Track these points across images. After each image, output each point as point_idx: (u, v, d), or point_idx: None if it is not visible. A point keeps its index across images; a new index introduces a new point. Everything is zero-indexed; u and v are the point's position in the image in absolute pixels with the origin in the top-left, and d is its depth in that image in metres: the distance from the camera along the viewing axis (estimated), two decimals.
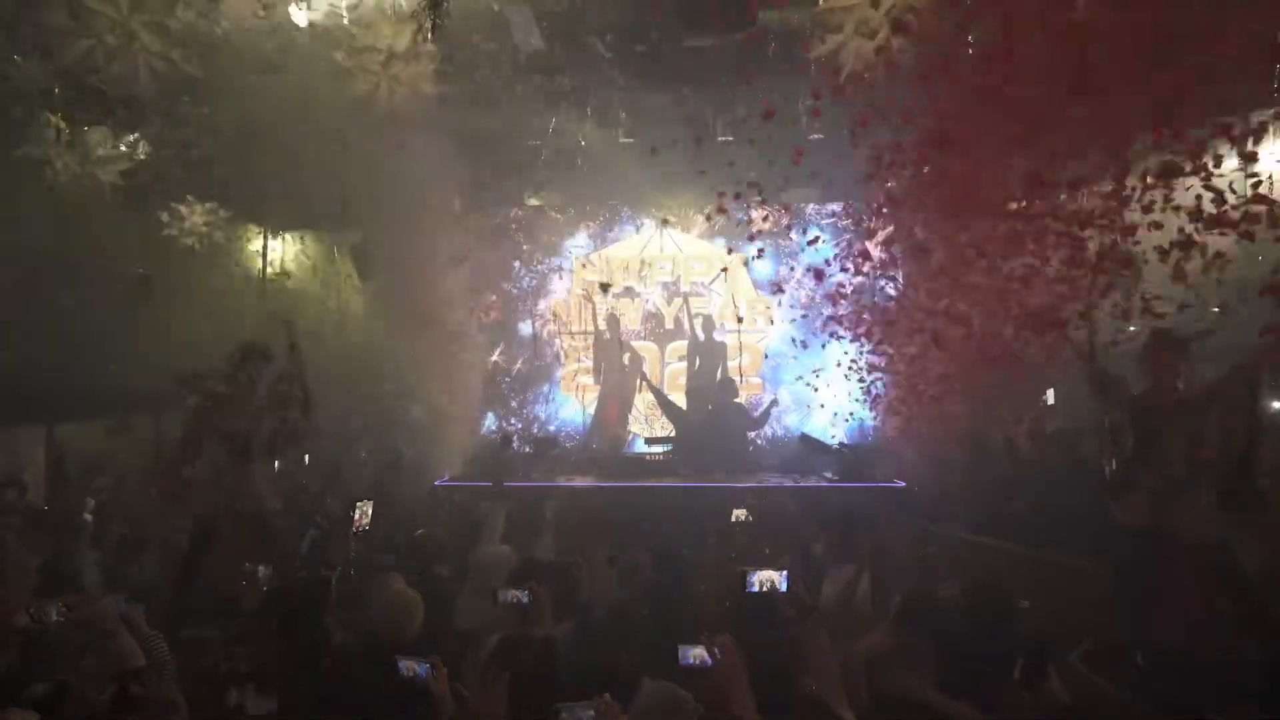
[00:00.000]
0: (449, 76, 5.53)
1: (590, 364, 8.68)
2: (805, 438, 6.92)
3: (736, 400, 7.51)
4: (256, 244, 7.64)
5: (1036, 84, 3.58)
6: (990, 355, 4.44)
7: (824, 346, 6.95)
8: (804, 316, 7.47)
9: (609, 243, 9.03)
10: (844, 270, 5.52)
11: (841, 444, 6.85)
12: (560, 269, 8.99)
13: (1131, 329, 3.80)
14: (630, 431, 8.13)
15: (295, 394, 3.88)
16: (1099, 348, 3.58)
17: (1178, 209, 3.61)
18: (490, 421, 8.45)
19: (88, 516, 5.04)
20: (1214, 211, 3.48)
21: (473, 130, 6.38)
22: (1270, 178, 3.59)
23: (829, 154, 5.71)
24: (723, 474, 6.52)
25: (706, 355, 8.13)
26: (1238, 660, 2.57)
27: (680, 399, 7.93)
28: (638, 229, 8.94)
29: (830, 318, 5.67)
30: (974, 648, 2.38)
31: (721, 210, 5.47)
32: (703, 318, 8.35)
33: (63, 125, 5.32)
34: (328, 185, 6.11)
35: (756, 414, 7.61)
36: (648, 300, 8.93)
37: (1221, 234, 3.50)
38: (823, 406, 7.67)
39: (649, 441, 7.56)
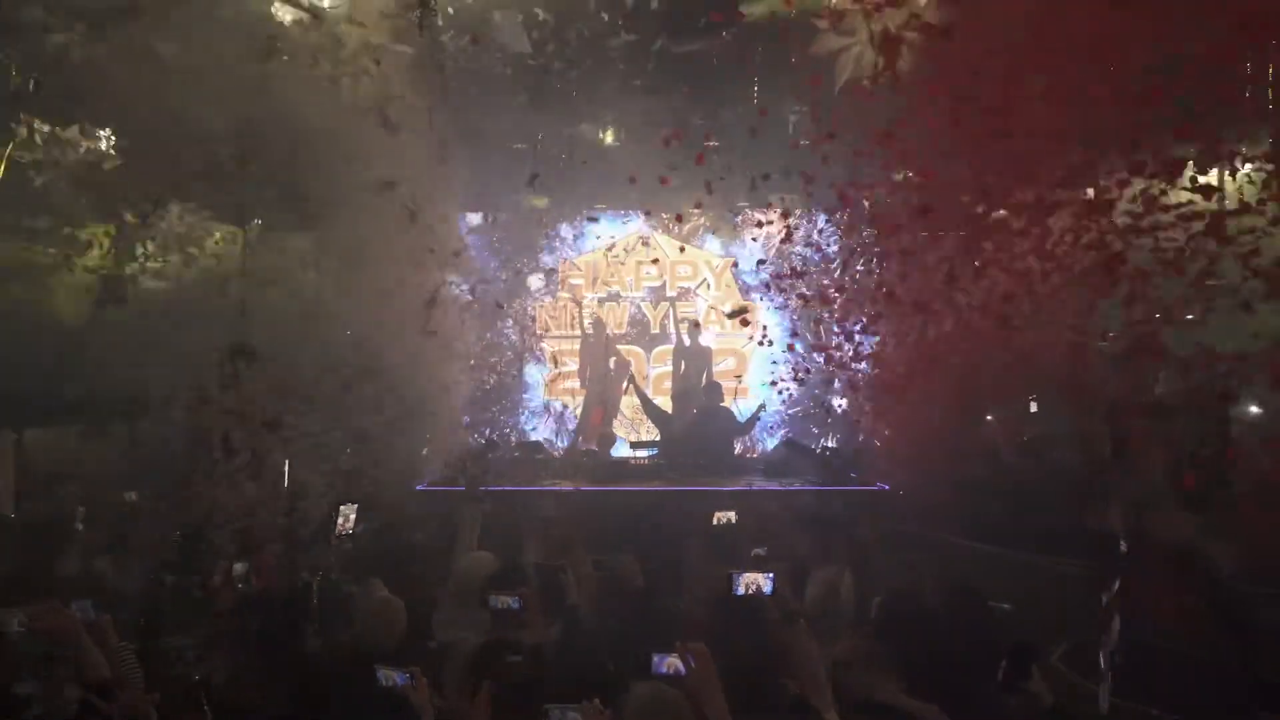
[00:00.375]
0: (433, 74, 5.49)
1: (574, 368, 8.66)
2: (790, 442, 6.97)
3: (723, 405, 7.53)
4: (233, 244, 7.50)
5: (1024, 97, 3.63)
6: (978, 358, 4.48)
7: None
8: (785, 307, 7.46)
9: (595, 245, 9.01)
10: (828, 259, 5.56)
11: (825, 448, 6.90)
12: (545, 270, 8.94)
13: (1110, 334, 3.87)
14: (616, 435, 8.12)
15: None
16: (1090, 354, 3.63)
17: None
18: (472, 424, 8.37)
19: (79, 526, 4.90)
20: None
21: (459, 129, 6.33)
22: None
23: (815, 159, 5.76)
24: (708, 478, 6.52)
25: (692, 360, 8.14)
26: (1211, 658, 2.63)
27: (665, 403, 7.93)
28: (623, 229, 8.92)
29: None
30: (953, 651, 2.40)
31: (699, 205, 5.44)
32: (688, 322, 8.37)
33: (45, 126, 5.22)
34: (310, 184, 6.01)
35: (743, 420, 7.64)
36: (633, 304, 8.93)
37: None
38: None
39: (634, 446, 7.54)
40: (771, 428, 8.28)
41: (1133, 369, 3.44)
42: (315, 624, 2.76)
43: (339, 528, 3.67)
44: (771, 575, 2.42)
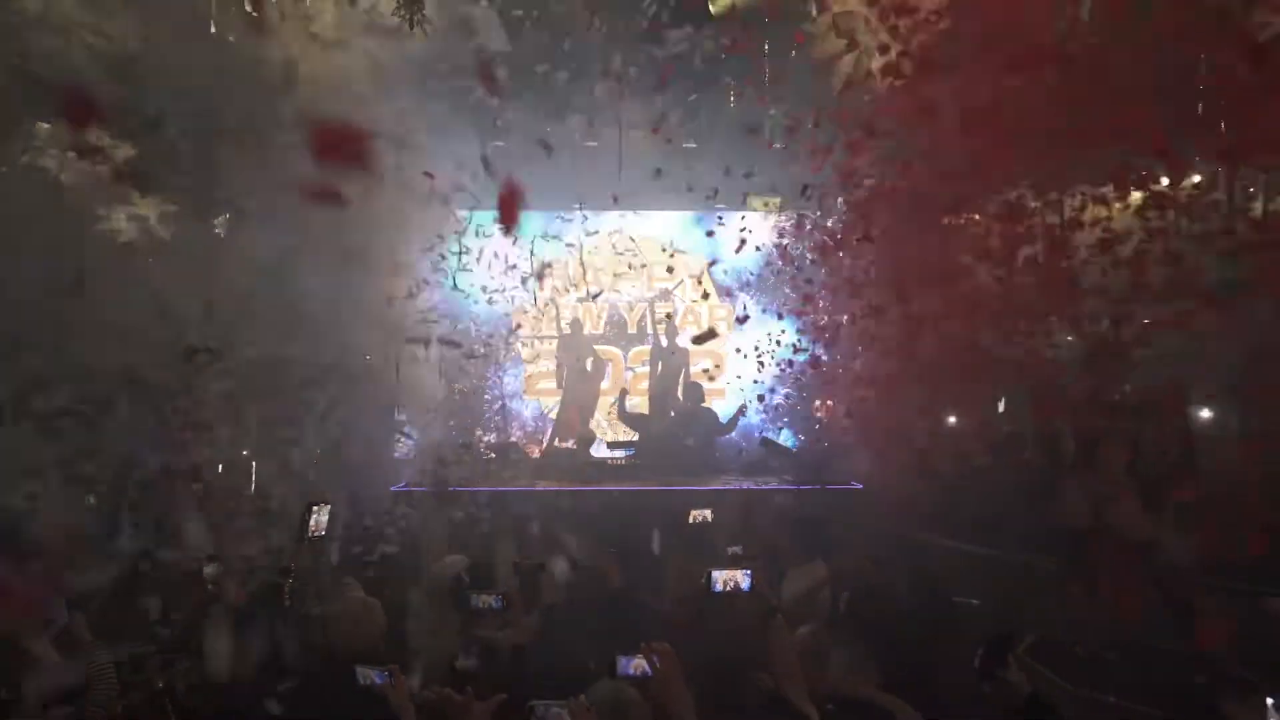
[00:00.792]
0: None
1: (551, 367, 8.62)
2: (765, 441, 7.04)
3: (705, 405, 7.58)
4: (205, 237, 7.28)
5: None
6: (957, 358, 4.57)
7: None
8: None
9: (575, 246, 8.97)
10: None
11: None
12: (519, 270, 8.87)
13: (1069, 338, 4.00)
14: (594, 434, 8.11)
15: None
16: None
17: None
18: (447, 425, 8.27)
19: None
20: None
21: (439, 128, 6.25)
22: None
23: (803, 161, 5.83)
24: (685, 477, 6.56)
25: (669, 360, 8.18)
26: (1169, 649, 2.74)
27: (643, 404, 7.95)
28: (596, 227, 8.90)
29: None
30: (919, 644, 2.45)
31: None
32: (666, 323, 8.40)
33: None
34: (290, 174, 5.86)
35: (725, 420, 7.69)
36: (611, 304, 8.93)
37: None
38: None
39: (611, 446, 7.55)
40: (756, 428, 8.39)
41: (1096, 369, 3.56)
42: (287, 626, 2.70)
43: (311, 529, 3.59)
44: (749, 572, 2.45)
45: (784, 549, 3.64)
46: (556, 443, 8.00)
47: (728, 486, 6.28)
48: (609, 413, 8.38)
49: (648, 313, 8.62)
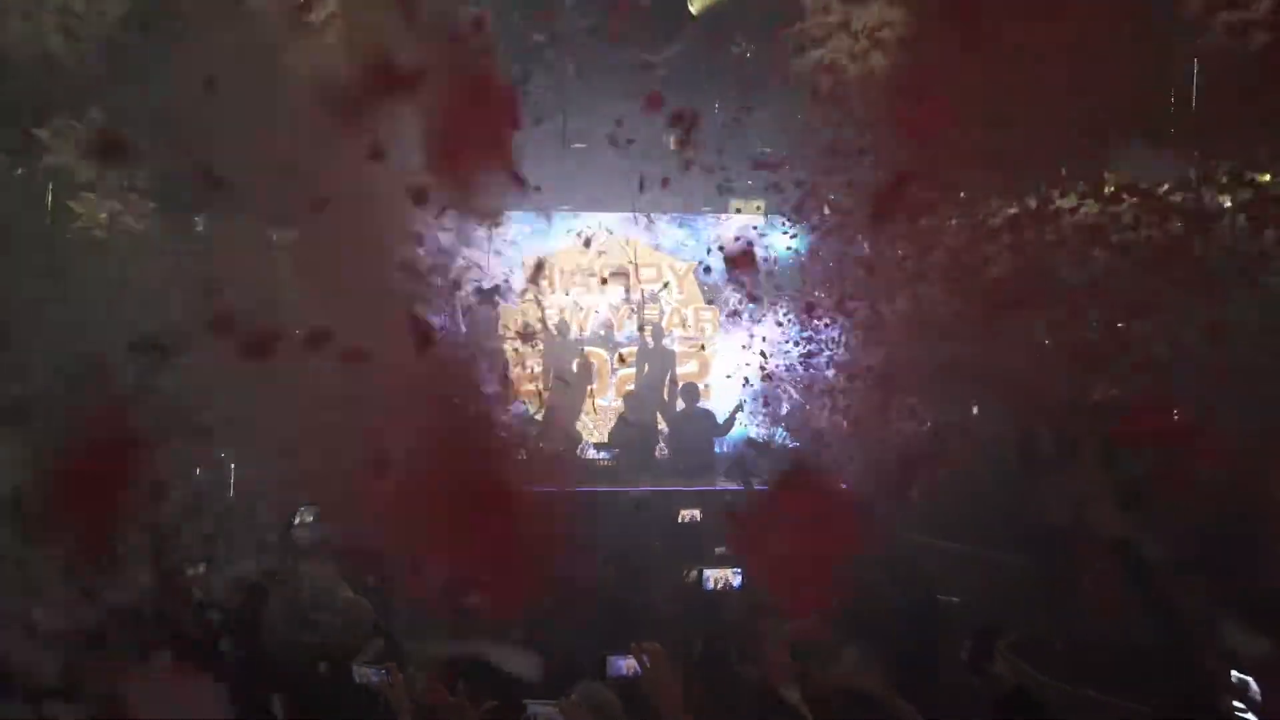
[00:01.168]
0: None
1: (537, 369, 8.58)
2: (751, 442, 7.08)
3: (701, 406, 7.61)
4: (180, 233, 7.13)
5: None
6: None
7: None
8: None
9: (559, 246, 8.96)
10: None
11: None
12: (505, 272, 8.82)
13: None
14: (581, 436, 8.10)
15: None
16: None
17: None
18: None
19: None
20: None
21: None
22: None
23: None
24: (674, 479, 6.58)
25: (655, 361, 8.19)
26: (1144, 646, 2.79)
27: (630, 404, 7.96)
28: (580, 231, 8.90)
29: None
30: (903, 638, 2.49)
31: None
32: (652, 325, 8.41)
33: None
34: (268, 170, 5.76)
35: (721, 421, 7.71)
36: (597, 305, 8.92)
37: None
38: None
39: (598, 447, 7.53)
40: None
41: (1076, 370, 3.62)
42: (271, 627, 2.66)
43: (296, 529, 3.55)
44: (740, 570, 2.47)
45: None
46: (542, 445, 7.96)
47: (715, 487, 6.32)
48: (594, 414, 8.38)
49: (635, 314, 8.63)
